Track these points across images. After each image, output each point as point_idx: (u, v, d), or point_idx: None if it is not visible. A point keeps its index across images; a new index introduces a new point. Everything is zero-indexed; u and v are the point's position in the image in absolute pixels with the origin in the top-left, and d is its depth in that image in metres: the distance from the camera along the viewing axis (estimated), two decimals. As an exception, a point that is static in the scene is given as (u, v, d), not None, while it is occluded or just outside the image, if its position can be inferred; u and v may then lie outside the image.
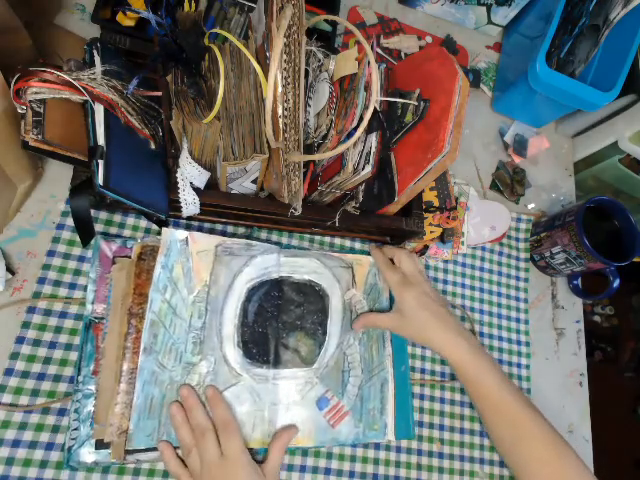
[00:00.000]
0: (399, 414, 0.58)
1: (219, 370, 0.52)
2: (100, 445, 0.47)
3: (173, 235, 0.53)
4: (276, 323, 0.56)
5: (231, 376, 0.52)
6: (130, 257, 0.53)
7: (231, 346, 0.53)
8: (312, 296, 0.59)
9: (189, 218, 0.58)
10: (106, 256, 0.53)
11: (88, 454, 0.47)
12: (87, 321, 0.51)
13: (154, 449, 0.48)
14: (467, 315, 0.67)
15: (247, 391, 0.52)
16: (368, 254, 0.63)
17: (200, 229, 0.60)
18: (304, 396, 0.55)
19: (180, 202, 0.50)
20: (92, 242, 0.53)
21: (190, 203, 0.50)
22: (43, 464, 0.47)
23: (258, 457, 0.52)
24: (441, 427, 0.61)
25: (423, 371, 0.63)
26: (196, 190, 0.50)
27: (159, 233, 0.53)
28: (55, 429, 0.48)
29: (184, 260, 0.53)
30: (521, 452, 0.54)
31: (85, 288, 0.52)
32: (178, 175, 0.48)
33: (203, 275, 0.54)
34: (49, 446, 0.48)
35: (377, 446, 0.58)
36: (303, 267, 0.59)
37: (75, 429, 0.48)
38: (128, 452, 0.47)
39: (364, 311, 0.60)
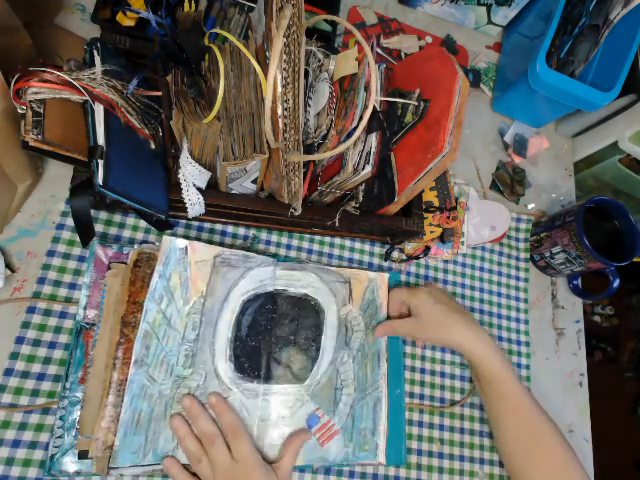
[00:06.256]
0: (391, 438, 0.57)
1: (209, 384, 0.51)
2: (83, 455, 0.46)
3: (173, 243, 0.52)
4: (269, 337, 0.54)
5: (221, 390, 0.51)
6: (126, 263, 0.53)
7: (223, 360, 0.52)
8: (307, 311, 0.57)
9: (191, 218, 0.58)
10: (101, 261, 0.53)
11: (70, 463, 0.46)
12: (78, 326, 0.50)
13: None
14: None
15: (236, 406, 0.51)
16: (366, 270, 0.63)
17: (200, 229, 0.60)
18: (294, 413, 0.54)
19: (185, 203, 0.50)
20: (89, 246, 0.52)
21: (195, 203, 0.50)
22: (43, 464, 0.47)
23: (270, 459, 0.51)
24: (441, 427, 0.61)
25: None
26: (199, 190, 0.50)
27: (159, 234, 0.52)
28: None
29: (182, 270, 0.52)
30: (535, 463, 0.53)
31: (85, 288, 0.52)
32: (180, 176, 0.48)
33: (200, 286, 0.53)
34: (48, 446, 0.47)
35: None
36: (300, 281, 0.57)
37: (59, 437, 0.47)
38: (111, 467, 0.47)
39: (360, 328, 0.59)
